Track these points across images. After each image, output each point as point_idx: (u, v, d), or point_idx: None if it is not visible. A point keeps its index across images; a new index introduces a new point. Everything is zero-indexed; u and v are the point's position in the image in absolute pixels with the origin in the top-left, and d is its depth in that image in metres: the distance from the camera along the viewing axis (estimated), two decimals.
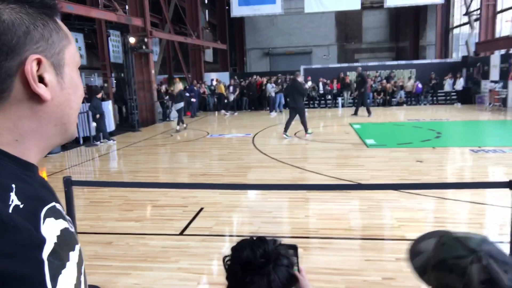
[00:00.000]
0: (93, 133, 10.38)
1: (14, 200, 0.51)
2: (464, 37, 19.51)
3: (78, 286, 0.59)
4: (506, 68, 14.33)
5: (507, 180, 2.46)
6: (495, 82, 15.04)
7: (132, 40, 12.89)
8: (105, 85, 16.33)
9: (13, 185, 0.53)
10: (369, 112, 13.52)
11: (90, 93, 16.04)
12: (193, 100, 15.91)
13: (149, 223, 4.18)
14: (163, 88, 15.69)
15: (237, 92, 17.44)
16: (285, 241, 3.28)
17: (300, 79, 10.13)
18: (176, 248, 3.50)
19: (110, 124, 11.68)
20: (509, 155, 6.86)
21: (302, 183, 5.59)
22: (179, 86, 12.33)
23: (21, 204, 0.52)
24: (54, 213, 0.58)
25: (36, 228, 0.52)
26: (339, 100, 17.92)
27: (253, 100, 18.22)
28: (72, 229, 0.63)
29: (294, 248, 0.91)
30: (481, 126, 11.25)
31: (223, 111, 17.05)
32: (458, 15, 21.47)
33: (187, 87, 16.87)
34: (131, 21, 12.80)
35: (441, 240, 0.68)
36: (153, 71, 14.22)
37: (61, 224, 0.59)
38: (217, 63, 24.63)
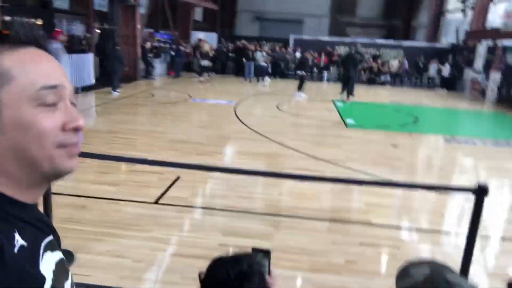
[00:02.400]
0: None
1: (18, 240, 0.50)
2: (456, 23, 19.47)
3: None
4: (490, 59, 14.53)
5: (472, 184, 2.60)
6: (478, 72, 15.29)
7: None
8: (88, 35, 15.63)
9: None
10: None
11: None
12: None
13: (124, 189, 4.21)
14: (148, 44, 15.18)
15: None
16: (258, 218, 3.33)
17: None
18: (150, 217, 3.56)
19: (90, 77, 11.35)
20: (479, 147, 7.14)
21: (279, 159, 5.71)
22: (206, 46, 14.72)
23: (26, 243, 0.51)
24: (51, 246, 0.59)
25: (37, 267, 0.53)
26: (325, 73, 17.85)
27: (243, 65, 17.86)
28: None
29: (267, 252, 0.96)
30: (458, 115, 11.55)
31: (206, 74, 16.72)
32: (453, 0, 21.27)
33: (173, 46, 16.39)
34: None
35: (432, 277, 0.70)
36: (138, 26, 13.71)
37: (57, 255, 0.60)
38: (206, 22, 23.86)
